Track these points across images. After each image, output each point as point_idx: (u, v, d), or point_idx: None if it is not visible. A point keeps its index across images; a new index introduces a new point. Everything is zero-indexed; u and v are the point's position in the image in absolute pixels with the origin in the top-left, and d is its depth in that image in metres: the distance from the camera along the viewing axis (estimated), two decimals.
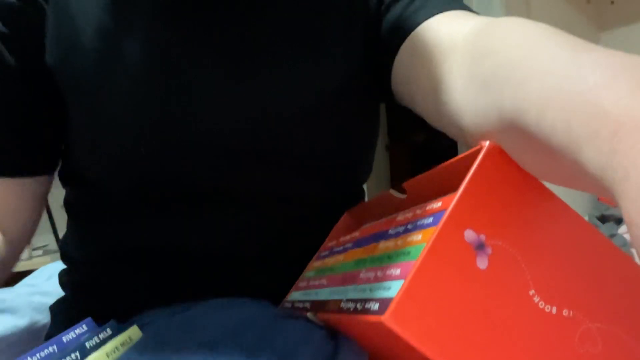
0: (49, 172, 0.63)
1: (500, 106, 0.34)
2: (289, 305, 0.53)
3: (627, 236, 1.38)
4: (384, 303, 0.32)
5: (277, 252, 0.60)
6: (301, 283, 0.55)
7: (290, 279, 0.58)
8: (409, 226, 0.39)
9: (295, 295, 0.54)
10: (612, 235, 1.35)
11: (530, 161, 0.35)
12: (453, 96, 0.42)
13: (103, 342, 0.49)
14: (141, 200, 0.56)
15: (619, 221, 1.44)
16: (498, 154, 0.37)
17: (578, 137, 0.26)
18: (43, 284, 0.76)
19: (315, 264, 0.56)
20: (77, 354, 0.47)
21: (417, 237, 0.36)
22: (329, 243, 0.58)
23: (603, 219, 1.48)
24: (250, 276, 0.58)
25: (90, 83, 0.53)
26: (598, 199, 1.73)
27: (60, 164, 0.64)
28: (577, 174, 0.29)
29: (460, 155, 0.39)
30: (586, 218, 1.57)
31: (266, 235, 0.60)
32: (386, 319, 0.31)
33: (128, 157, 0.53)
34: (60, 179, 0.64)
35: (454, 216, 0.34)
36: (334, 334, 0.43)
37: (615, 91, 0.24)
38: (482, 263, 0.33)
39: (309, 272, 0.56)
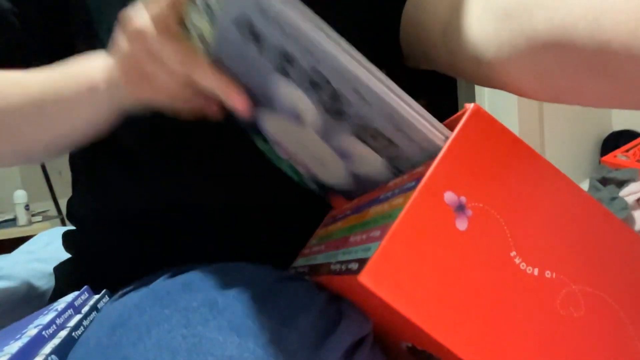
0: None
1: (530, 31, 0.35)
2: (293, 271, 0.54)
3: (628, 199, 1.37)
4: (362, 263, 0.33)
5: (283, 216, 0.60)
6: (305, 250, 0.56)
7: (295, 246, 0.58)
8: (396, 190, 0.39)
9: (299, 261, 0.55)
10: (614, 198, 1.34)
11: (565, 83, 0.35)
12: (471, 33, 0.42)
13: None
14: (151, 153, 0.56)
15: (620, 184, 1.43)
16: (482, 116, 0.36)
17: None
18: (41, 250, 0.77)
19: (319, 232, 0.57)
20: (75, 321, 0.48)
21: (399, 200, 0.36)
22: (334, 211, 0.59)
23: (604, 181, 1.47)
24: (255, 241, 0.58)
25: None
26: (599, 162, 1.71)
27: None
28: (619, 85, 0.31)
29: (448, 119, 0.39)
30: (587, 180, 1.55)
31: (271, 197, 0.59)
32: (361, 277, 0.31)
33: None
34: None
35: (433, 179, 0.34)
36: (337, 298, 0.43)
37: None
38: (461, 224, 0.34)
39: (313, 240, 0.57)
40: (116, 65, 0.45)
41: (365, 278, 0.31)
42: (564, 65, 0.34)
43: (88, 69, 0.48)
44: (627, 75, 0.31)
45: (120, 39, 0.43)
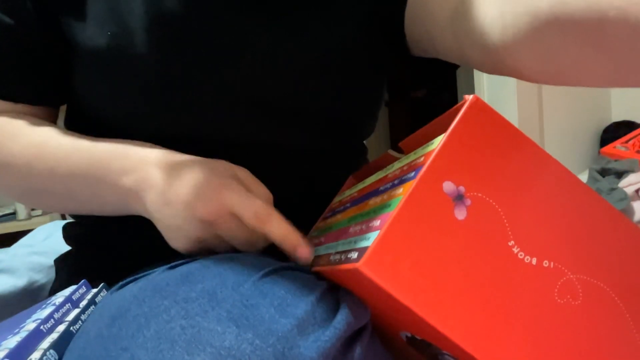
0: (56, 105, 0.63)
1: (533, 10, 0.35)
2: (291, 263, 0.54)
3: (627, 190, 1.37)
4: (362, 252, 0.33)
5: (280, 207, 0.59)
6: None
7: None
8: (396, 181, 0.40)
9: None
10: (613, 189, 1.34)
11: (568, 62, 0.36)
12: (477, 18, 0.43)
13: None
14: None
15: (619, 175, 1.43)
16: (481, 107, 0.36)
17: None
18: (40, 243, 0.77)
19: (319, 224, 0.57)
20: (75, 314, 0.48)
21: (399, 190, 0.36)
22: (333, 204, 0.59)
23: (603, 172, 1.47)
24: None
25: (118, 23, 0.52)
26: (599, 153, 1.72)
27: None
28: (619, 59, 0.31)
29: (449, 110, 0.39)
30: (587, 171, 1.55)
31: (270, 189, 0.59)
32: (361, 265, 0.32)
33: (150, 105, 0.54)
34: (69, 128, 0.63)
35: (432, 169, 0.34)
36: (336, 287, 0.43)
37: None
38: (460, 214, 0.34)
39: (312, 233, 0.57)
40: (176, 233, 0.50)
41: (364, 266, 0.31)
42: (565, 42, 0.34)
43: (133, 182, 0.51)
44: (625, 46, 0.31)
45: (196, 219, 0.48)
